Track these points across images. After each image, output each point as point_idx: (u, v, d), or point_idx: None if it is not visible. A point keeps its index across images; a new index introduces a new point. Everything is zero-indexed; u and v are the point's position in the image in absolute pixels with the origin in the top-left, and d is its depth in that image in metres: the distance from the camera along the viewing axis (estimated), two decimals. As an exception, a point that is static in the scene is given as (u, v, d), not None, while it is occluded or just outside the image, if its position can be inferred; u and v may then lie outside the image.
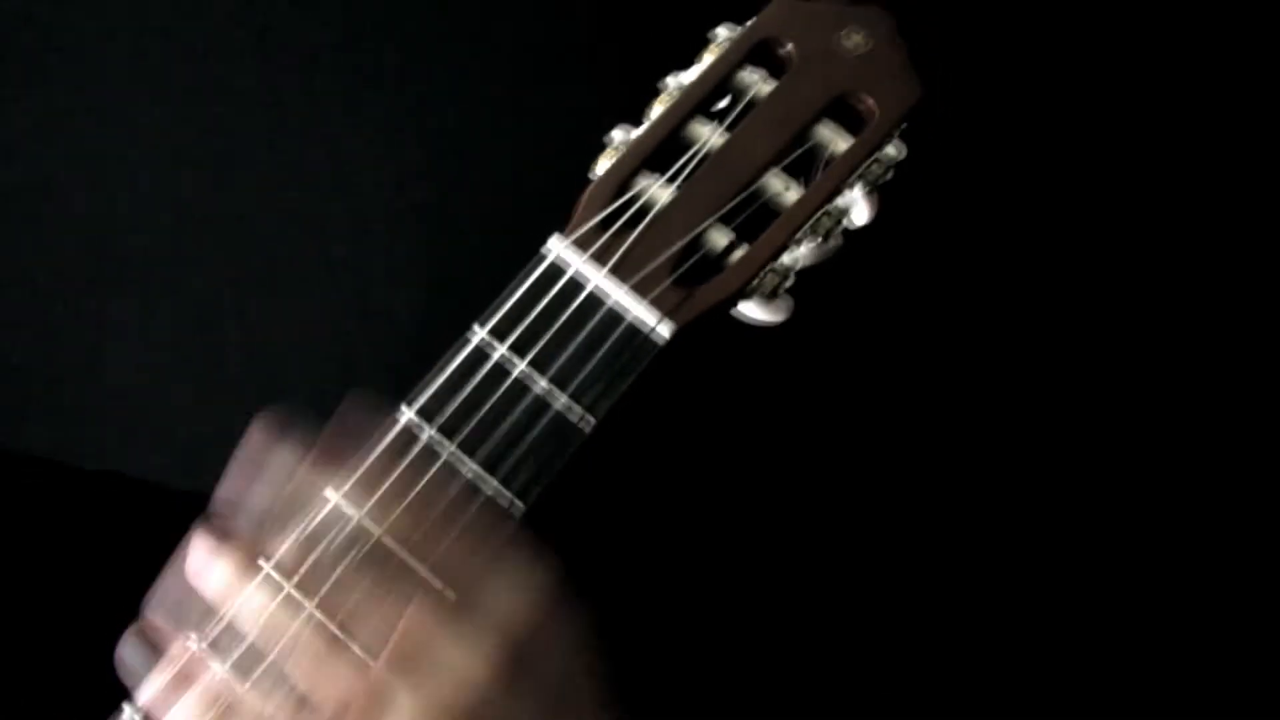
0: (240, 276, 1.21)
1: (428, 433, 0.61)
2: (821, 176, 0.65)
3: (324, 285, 1.21)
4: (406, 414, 0.61)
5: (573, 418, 0.61)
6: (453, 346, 0.62)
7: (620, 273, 0.63)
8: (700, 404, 1.17)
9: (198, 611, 0.60)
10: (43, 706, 0.76)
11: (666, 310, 0.62)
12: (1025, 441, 1.17)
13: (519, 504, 0.60)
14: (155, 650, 0.60)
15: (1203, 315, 1.18)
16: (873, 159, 0.66)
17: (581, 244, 0.63)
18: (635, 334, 0.62)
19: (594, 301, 0.62)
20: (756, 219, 0.66)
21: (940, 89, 0.71)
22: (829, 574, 1.16)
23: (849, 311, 1.15)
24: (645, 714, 0.63)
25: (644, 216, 0.64)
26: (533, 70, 1.21)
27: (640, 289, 0.62)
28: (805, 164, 0.66)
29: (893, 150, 0.66)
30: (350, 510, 0.59)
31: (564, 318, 0.62)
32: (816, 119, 0.66)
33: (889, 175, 0.67)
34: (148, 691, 0.59)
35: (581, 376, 0.61)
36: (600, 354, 0.62)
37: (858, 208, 0.66)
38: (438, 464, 0.60)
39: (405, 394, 0.62)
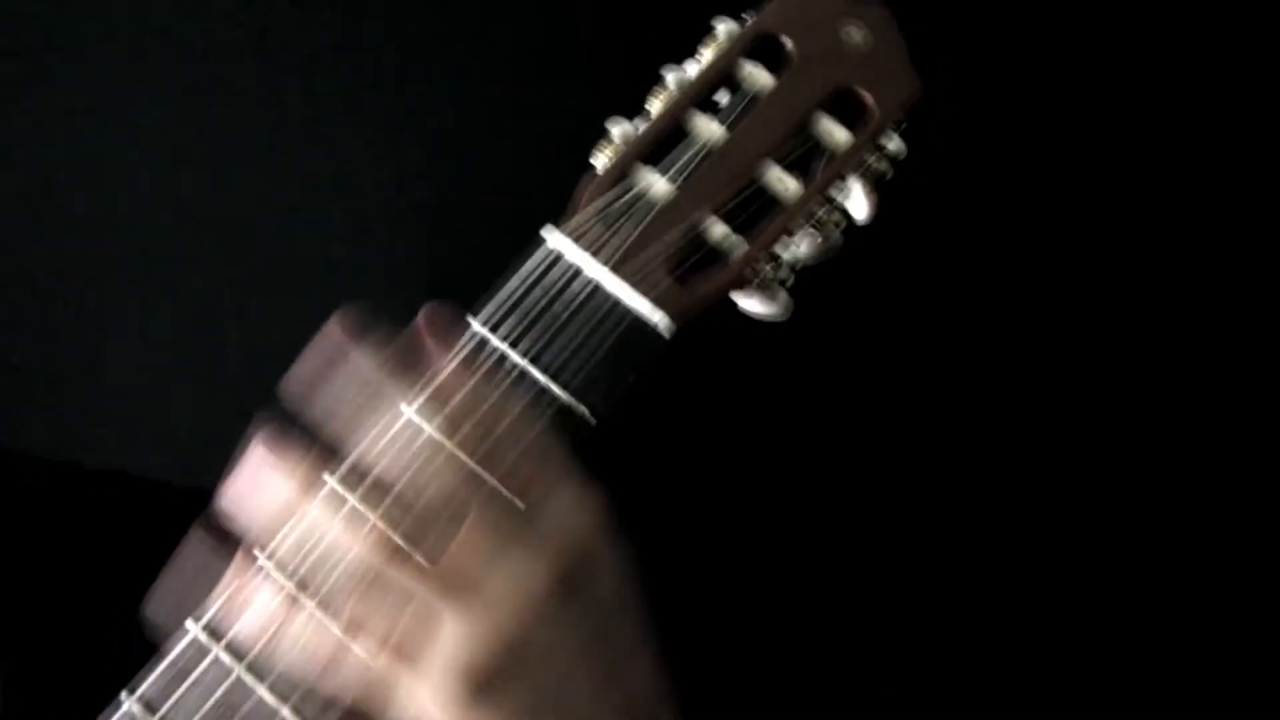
0: (240, 276, 1.21)
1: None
2: (819, 171, 0.66)
3: (324, 285, 1.21)
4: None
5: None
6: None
7: (619, 265, 0.63)
8: (703, 404, 1.17)
9: (199, 605, 0.60)
10: (45, 703, 0.76)
11: (665, 302, 0.62)
12: (1026, 439, 1.17)
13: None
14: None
15: (1203, 313, 1.18)
16: (871, 154, 0.66)
17: (579, 236, 0.64)
18: (636, 324, 0.62)
19: (593, 292, 0.63)
20: (757, 215, 0.66)
21: (941, 87, 0.71)
22: (827, 573, 1.16)
23: (852, 311, 1.15)
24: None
25: (643, 210, 0.64)
26: (533, 70, 1.21)
27: (639, 281, 0.63)
28: (807, 162, 0.67)
29: (892, 146, 0.67)
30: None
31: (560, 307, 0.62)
32: (816, 114, 0.67)
33: (889, 172, 0.67)
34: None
35: (578, 365, 0.62)
36: (600, 344, 0.62)
37: (856, 202, 0.66)
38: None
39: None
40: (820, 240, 0.66)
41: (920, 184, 0.75)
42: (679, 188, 0.65)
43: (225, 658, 0.58)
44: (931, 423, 1.17)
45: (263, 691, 0.58)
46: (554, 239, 0.64)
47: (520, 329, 0.62)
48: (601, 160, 0.66)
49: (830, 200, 0.66)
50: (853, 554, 1.16)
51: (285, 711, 0.57)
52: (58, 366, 1.20)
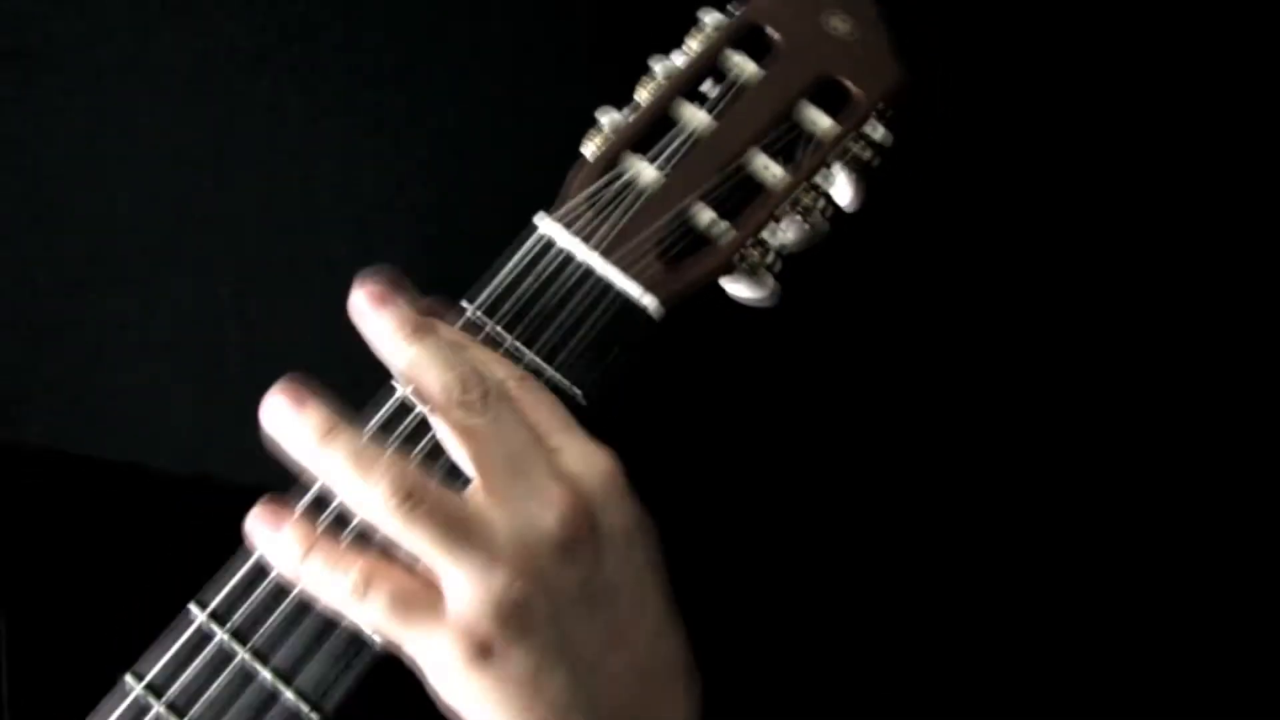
0: (240, 276, 1.22)
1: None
2: (803, 156, 0.67)
3: (324, 285, 1.22)
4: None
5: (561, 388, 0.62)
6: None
7: (609, 250, 0.64)
8: (696, 397, 1.17)
9: None
10: (50, 699, 0.76)
11: (655, 285, 0.63)
12: (1022, 436, 1.18)
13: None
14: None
15: (1202, 312, 1.18)
16: (855, 142, 0.67)
17: (570, 222, 0.64)
18: (626, 307, 0.63)
19: (584, 276, 0.63)
20: (744, 202, 0.67)
21: (929, 77, 0.72)
22: (825, 571, 1.16)
23: (848, 308, 1.15)
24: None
25: (632, 197, 0.65)
26: (533, 70, 1.22)
27: (629, 265, 0.64)
28: (793, 150, 0.68)
29: (877, 134, 0.68)
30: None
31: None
32: (801, 103, 0.67)
33: (875, 160, 0.68)
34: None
35: (570, 347, 0.62)
36: (591, 327, 0.63)
37: (841, 189, 0.67)
38: None
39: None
40: (807, 227, 0.67)
41: (911, 173, 0.76)
42: (667, 175, 0.66)
43: (229, 641, 0.59)
44: (923, 413, 1.18)
45: (265, 673, 0.59)
46: (545, 225, 0.65)
47: (513, 312, 0.63)
48: (591, 149, 0.67)
49: (816, 187, 0.67)
50: (845, 545, 1.17)
51: (288, 694, 0.58)
52: (58, 365, 1.21)
